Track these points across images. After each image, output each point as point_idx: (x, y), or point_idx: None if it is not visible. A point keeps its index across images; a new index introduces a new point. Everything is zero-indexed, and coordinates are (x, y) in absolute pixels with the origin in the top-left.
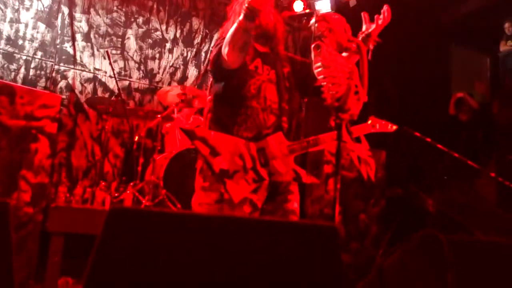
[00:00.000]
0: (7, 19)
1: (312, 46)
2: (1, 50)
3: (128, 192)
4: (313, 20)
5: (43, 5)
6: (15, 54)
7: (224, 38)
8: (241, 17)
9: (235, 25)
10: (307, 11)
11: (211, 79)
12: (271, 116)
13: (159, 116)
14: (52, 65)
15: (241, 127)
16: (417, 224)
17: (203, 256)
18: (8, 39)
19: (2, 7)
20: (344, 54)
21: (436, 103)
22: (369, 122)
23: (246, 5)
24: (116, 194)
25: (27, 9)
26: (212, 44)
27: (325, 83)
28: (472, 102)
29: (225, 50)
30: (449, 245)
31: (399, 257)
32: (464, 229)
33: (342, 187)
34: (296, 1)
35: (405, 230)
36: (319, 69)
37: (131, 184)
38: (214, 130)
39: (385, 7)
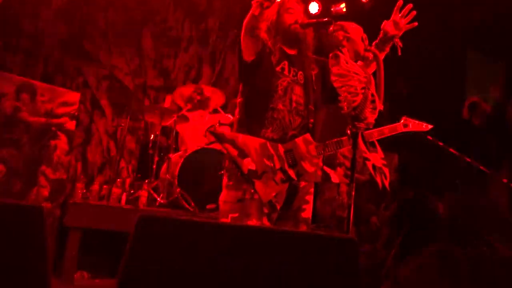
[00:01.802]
0: (29, 15)
1: (330, 55)
2: (22, 47)
3: (143, 189)
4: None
5: (62, 2)
6: (34, 51)
7: None
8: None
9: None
10: (326, 19)
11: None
12: (297, 118)
13: (174, 115)
14: (70, 61)
15: (267, 129)
16: (428, 227)
17: (225, 265)
18: (28, 35)
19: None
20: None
21: (449, 107)
22: (402, 121)
23: None
24: (131, 191)
25: (47, 6)
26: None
27: (342, 92)
28: (486, 107)
29: (241, 38)
30: (464, 258)
31: (415, 269)
32: (475, 234)
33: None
34: (311, 2)
35: (417, 233)
36: (336, 78)
37: (146, 181)
38: (241, 132)
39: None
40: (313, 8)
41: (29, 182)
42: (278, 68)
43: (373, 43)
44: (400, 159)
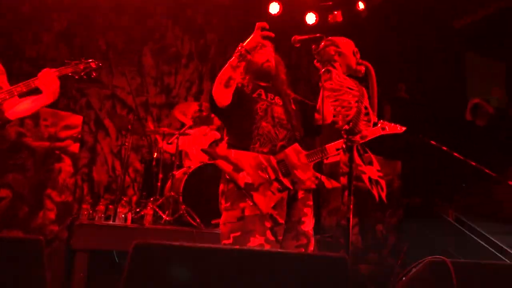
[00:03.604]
0: (30, 40)
1: (322, 70)
2: (24, 71)
3: (148, 207)
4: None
5: (62, 26)
6: (36, 75)
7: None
8: (233, 57)
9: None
10: (317, 35)
11: None
12: (282, 130)
13: (176, 132)
14: (72, 84)
15: (255, 145)
16: (436, 233)
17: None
18: (30, 59)
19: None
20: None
21: (452, 110)
22: (379, 125)
23: (241, 47)
24: (137, 210)
25: (48, 30)
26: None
27: (336, 106)
28: (489, 108)
29: (213, 88)
30: (455, 269)
31: (409, 282)
32: (483, 236)
33: (358, 199)
34: (308, 13)
35: (424, 240)
36: (330, 93)
37: (151, 199)
38: (232, 148)
39: None
40: (310, 18)
41: (36, 206)
42: (254, 95)
43: None
44: (404, 166)
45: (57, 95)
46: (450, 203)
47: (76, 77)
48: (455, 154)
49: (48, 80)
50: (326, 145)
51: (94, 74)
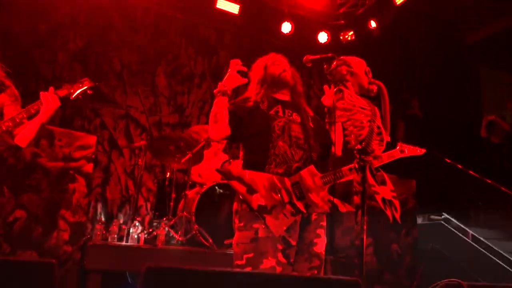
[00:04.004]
0: (46, 60)
1: (334, 90)
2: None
3: (161, 228)
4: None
5: (77, 46)
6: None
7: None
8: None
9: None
10: (329, 55)
11: None
12: (298, 151)
13: (189, 152)
14: (87, 104)
15: (271, 165)
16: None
17: None
18: (46, 80)
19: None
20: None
21: (466, 126)
22: (398, 147)
23: (222, 86)
24: (150, 230)
25: (64, 50)
26: None
27: (348, 126)
28: (504, 125)
29: (211, 125)
30: None
31: None
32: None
33: (372, 218)
34: (320, 32)
35: (440, 259)
36: (342, 113)
37: (164, 219)
38: (247, 168)
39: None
40: (322, 37)
41: (50, 227)
42: (271, 112)
43: None
44: (418, 185)
45: (52, 113)
46: (467, 221)
47: (72, 97)
48: (470, 172)
49: (50, 102)
50: (342, 168)
51: (89, 92)
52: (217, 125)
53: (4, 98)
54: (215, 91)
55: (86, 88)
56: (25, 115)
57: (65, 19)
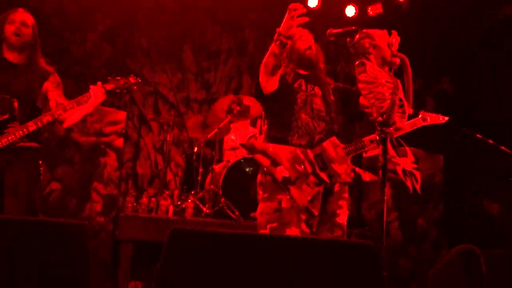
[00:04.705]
0: (77, 40)
1: (356, 63)
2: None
3: (189, 200)
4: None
5: (106, 26)
6: (83, 74)
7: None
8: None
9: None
10: (352, 28)
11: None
12: (321, 123)
13: (216, 127)
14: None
15: (293, 137)
16: (479, 228)
17: (255, 274)
18: (77, 60)
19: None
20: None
21: (498, 101)
22: (420, 116)
23: (278, 33)
24: (178, 203)
25: (94, 30)
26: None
27: (370, 98)
28: None
29: (259, 76)
30: (485, 258)
31: (440, 269)
32: None
33: (397, 192)
34: (348, 6)
35: (467, 234)
36: (364, 85)
37: (192, 193)
38: (270, 141)
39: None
40: (350, 11)
41: (83, 198)
42: (295, 85)
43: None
44: (446, 160)
45: (98, 105)
46: (496, 199)
47: (118, 91)
48: (502, 147)
49: (98, 95)
50: (364, 138)
51: (135, 88)
52: (273, 78)
53: (47, 85)
54: (274, 41)
55: (132, 84)
56: (75, 105)
57: (93, 1)
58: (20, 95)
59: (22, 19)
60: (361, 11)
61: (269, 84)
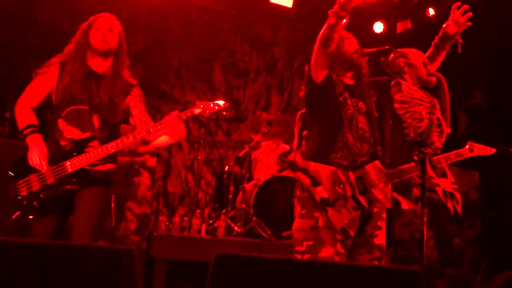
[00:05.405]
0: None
1: (392, 83)
2: None
3: (221, 219)
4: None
5: (138, 46)
6: None
7: None
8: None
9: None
10: (386, 47)
11: (300, 115)
12: (365, 145)
13: (246, 146)
14: (148, 101)
15: (337, 154)
16: None
17: None
18: None
19: None
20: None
21: None
22: (467, 146)
23: (338, 4)
24: (210, 221)
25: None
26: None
27: (407, 118)
28: None
29: (313, 51)
30: None
31: None
32: None
33: (433, 211)
34: (376, 22)
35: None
36: (400, 105)
37: (223, 211)
38: (311, 159)
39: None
40: (378, 27)
41: (118, 218)
42: (341, 99)
43: (432, 43)
44: (481, 177)
45: (184, 134)
46: None
47: (206, 116)
48: None
49: (172, 126)
50: (409, 165)
51: (224, 113)
52: (326, 53)
53: (130, 99)
54: (331, 13)
55: (222, 109)
56: (159, 127)
57: (127, 23)
58: (102, 109)
59: (109, 25)
60: (389, 27)
61: (321, 62)
